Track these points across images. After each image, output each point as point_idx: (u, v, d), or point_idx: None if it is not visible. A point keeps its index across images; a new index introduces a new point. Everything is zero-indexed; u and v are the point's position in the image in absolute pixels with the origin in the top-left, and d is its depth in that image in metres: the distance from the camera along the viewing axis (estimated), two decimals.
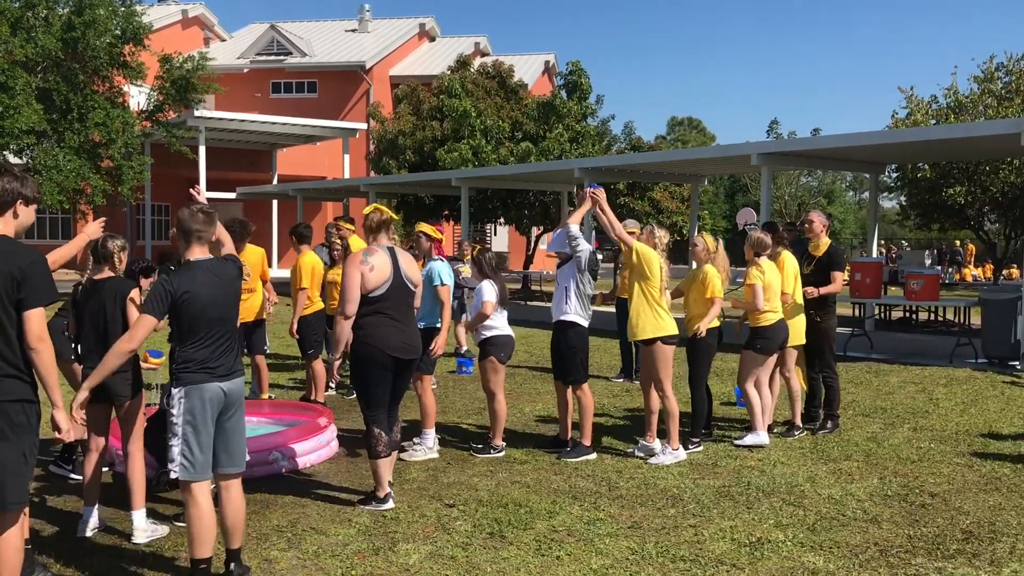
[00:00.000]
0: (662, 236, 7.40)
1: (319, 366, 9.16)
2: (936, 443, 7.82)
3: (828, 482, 6.59)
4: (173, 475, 4.41)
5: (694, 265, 7.80)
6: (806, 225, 8.35)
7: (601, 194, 7.16)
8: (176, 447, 4.36)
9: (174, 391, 4.39)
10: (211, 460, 4.45)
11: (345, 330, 5.69)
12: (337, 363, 6.04)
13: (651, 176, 20.99)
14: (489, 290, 7.30)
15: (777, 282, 7.76)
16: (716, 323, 7.48)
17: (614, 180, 22.94)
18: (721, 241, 7.80)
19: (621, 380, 11.09)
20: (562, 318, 7.25)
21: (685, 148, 55.20)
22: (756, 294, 7.56)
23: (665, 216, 25.59)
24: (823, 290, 8.12)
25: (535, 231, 30.22)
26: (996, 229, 26.18)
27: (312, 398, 9.17)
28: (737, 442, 7.72)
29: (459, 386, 10.71)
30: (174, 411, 4.37)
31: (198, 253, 4.53)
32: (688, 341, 7.52)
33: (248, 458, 4.77)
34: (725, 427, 8.44)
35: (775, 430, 8.18)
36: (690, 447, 7.43)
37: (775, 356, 7.78)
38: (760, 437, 7.72)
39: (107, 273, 5.41)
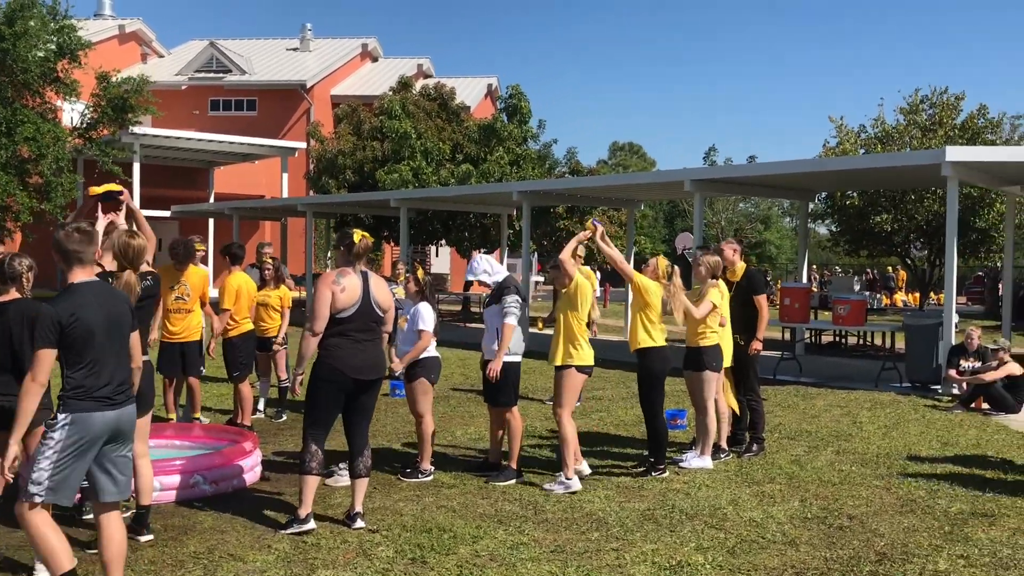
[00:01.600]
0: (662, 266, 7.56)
1: (246, 389, 9.04)
2: (857, 466, 7.94)
3: (750, 505, 6.66)
4: (38, 499, 4.25)
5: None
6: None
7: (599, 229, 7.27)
8: (47, 470, 4.21)
9: (60, 416, 4.27)
10: (76, 489, 4.35)
11: (311, 346, 5.73)
12: (299, 377, 5.99)
13: (589, 200, 21.22)
14: (428, 317, 7.27)
15: (725, 306, 7.89)
16: (662, 342, 7.42)
17: (553, 203, 23.13)
18: (677, 269, 7.71)
19: None
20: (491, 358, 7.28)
21: (624, 173, 55.77)
22: (704, 310, 7.59)
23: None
24: (759, 328, 8.23)
25: (475, 253, 30.13)
26: (923, 256, 26.93)
27: (238, 421, 9.03)
28: (683, 464, 7.76)
29: (391, 409, 10.64)
30: (55, 435, 4.24)
31: (81, 275, 4.38)
32: (639, 364, 7.51)
33: (127, 487, 4.56)
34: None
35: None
36: (654, 473, 7.44)
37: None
38: (706, 461, 7.80)
39: (13, 294, 5.24)
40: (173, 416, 8.99)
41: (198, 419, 8.88)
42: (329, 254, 29.57)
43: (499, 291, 7.23)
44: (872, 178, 16.34)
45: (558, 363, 7.13)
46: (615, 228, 26.10)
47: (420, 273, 7.65)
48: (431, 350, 7.39)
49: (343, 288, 5.73)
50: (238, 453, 7.08)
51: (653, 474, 7.47)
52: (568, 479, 7.03)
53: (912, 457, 8.38)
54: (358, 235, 5.96)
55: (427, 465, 7.36)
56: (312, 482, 5.83)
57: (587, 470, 7.30)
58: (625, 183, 18.56)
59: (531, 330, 8.01)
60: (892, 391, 12.48)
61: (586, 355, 7.14)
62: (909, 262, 26.22)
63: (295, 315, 10.19)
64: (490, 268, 7.40)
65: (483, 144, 26.43)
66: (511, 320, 7.13)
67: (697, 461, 7.81)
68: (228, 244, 9.40)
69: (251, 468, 7.15)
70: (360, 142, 27.24)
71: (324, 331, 5.72)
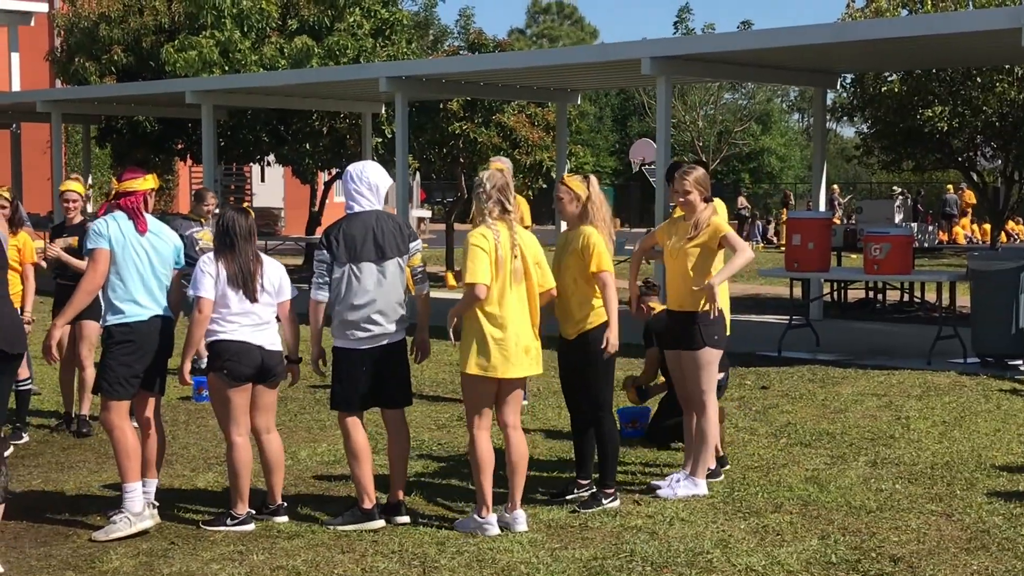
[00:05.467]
0: (492, 177, 7.33)
1: None
2: (903, 483, 8.04)
3: (747, 546, 6.70)
4: None
5: (563, 227, 7.87)
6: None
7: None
8: None
9: None
10: None
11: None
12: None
13: (499, 91, 21.00)
14: (204, 277, 7.27)
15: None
16: (602, 317, 7.53)
17: (444, 96, 22.70)
18: (595, 181, 7.79)
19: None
20: None
21: (551, 48, 55.27)
22: (736, 242, 7.81)
23: (523, 151, 25.67)
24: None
25: (323, 176, 29.76)
26: (995, 168, 27.29)
27: None
28: (663, 492, 7.81)
29: (196, 419, 10.40)
30: None
31: None
32: (569, 345, 7.59)
33: None
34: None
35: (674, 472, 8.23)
36: (604, 502, 7.53)
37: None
38: (699, 486, 7.87)
39: None
40: None
41: None
42: (91, 184, 28.29)
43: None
44: (921, 51, 16.36)
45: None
46: (540, 133, 25.88)
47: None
48: (237, 330, 7.31)
49: None
50: None
51: (604, 503, 7.52)
52: (482, 517, 7.06)
53: (983, 467, 8.48)
54: None
55: (241, 509, 7.28)
56: None
57: (495, 529, 7.08)
58: (555, 63, 18.29)
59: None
60: (953, 370, 12.61)
61: None
62: (975, 177, 26.73)
63: (42, 279, 9.88)
64: (370, 188, 7.44)
65: (329, 5, 25.77)
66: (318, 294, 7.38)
67: (687, 487, 7.85)
68: None
69: None
70: (134, 2, 26.40)
71: None
